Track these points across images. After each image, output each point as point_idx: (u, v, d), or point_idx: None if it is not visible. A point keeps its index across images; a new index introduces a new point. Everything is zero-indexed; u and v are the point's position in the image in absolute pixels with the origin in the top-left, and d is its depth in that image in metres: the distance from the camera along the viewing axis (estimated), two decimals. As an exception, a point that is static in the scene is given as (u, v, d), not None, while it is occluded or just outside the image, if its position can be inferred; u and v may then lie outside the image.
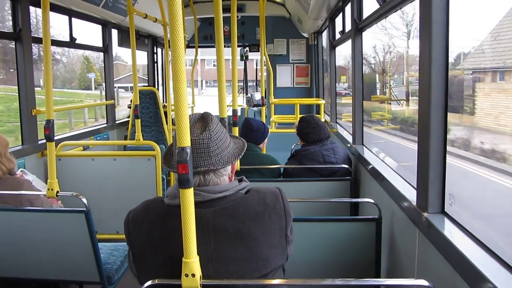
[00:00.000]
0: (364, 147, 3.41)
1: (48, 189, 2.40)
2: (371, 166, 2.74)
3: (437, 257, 1.57)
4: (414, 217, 1.84)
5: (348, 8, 4.01)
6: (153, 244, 1.39)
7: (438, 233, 1.58)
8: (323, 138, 3.18)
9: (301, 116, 3.45)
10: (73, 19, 4.38)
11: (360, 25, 3.33)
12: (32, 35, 3.53)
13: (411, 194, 1.98)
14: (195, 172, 1.36)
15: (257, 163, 3.19)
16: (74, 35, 4.44)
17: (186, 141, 1.17)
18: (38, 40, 3.57)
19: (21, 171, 2.62)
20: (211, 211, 1.36)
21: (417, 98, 1.87)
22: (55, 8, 3.90)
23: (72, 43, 4.47)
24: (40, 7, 2.35)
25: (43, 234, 2.36)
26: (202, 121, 1.41)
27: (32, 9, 3.57)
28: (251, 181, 1.52)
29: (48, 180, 2.42)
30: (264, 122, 4.05)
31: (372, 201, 2.24)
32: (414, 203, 1.86)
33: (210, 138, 1.37)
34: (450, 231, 1.57)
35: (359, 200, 2.90)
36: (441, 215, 1.72)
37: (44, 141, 3.57)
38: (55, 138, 2.48)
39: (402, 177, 2.35)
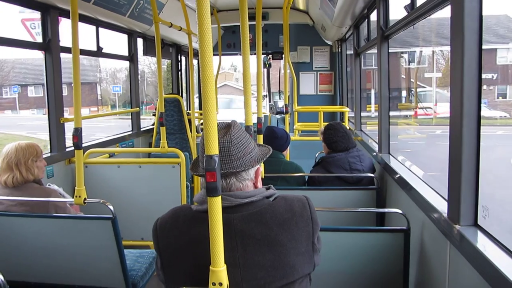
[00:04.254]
0: (390, 155, 3.34)
1: (76, 196, 2.44)
2: (398, 176, 2.68)
3: (470, 271, 1.51)
4: (445, 229, 1.78)
5: (373, 15, 3.97)
6: (181, 251, 1.39)
7: (471, 246, 1.53)
8: (350, 147, 3.14)
9: (326, 123, 3.41)
10: (100, 29, 4.48)
11: (386, 33, 3.29)
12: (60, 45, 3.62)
13: (441, 205, 1.92)
14: None
15: (281, 170, 3.18)
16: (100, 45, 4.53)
17: (214, 149, 1.17)
18: (67, 50, 3.65)
19: (48, 185, 2.68)
20: (239, 216, 1.36)
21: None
22: (82, 18, 3.98)
23: (99, 52, 4.55)
24: (69, 18, 2.41)
25: (70, 241, 2.40)
26: (227, 128, 1.43)
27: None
28: (276, 188, 1.51)
29: (76, 188, 2.45)
30: (288, 129, 4.03)
31: (400, 211, 2.19)
32: (445, 215, 1.81)
33: (230, 141, 1.38)
34: (484, 245, 1.51)
35: (387, 210, 2.83)
36: (474, 228, 1.66)
37: (71, 148, 3.65)
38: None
39: (431, 187, 2.28)
